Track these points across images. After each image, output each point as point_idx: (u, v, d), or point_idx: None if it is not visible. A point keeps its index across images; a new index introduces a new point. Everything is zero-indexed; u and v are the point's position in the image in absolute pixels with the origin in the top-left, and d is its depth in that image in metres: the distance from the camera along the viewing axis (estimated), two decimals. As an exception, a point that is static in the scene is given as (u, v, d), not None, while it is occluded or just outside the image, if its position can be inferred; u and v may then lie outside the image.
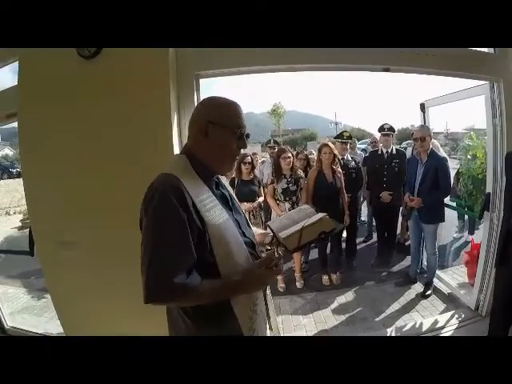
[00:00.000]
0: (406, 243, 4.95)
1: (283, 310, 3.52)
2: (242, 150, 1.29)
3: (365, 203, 5.78)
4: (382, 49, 2.11)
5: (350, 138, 4.70)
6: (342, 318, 3.36)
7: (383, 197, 4.40)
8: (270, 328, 1.41)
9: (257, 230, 1.51)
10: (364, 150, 8.44)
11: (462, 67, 2.49)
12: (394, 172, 4.41)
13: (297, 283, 4.13)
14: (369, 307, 3.51)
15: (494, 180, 2.80)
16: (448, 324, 2.96)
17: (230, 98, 1.27)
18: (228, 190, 1.39)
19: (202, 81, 2.30)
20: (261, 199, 4.25)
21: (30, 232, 2.49)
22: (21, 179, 2.59)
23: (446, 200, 3.91)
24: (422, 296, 3.56)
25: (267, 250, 1.51)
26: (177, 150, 2.10)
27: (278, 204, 3.98)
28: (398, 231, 4.95)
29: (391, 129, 4.58)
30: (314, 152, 5.83)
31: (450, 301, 3.41)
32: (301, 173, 4.15)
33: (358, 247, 5.00)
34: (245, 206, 3.82)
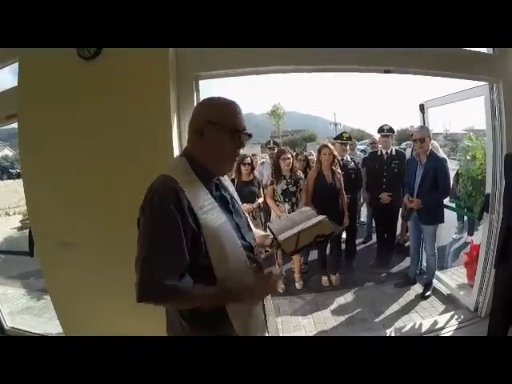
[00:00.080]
0: (406, 244, 4.94)
1: (282, 311, 3.52)
2: (240, 150, 1.28)
3: (364, 204, 5.77)
4: (381, 50, 2.12)
5: (349, 138, 4.70)
6: (342, 318, 3.35)
7: (383, 198, 4.40)
8: (268, 331, 1.40)
9: (258, 232, 1.51)
10: (363, 151, 8.44)
11: (462, 68, 2.50)
12: (394, 173, 4.41)
13: (296, 284, 4.13)
14: (368, 308, 3.50)
15: (493, 181, 2.80)
16: (447, 325, 2.96)
17: (228, 98, 1.27)
18: (229, 192, 1.38)
19: (201, 82, 2.30)
20: (260, 200, 4.26)
21: (30, 232, 2.49)
22: (20, 180, 2.59)
23: (446, 201, 3.91)
24: (422, 297, 3.56)
25: (266, 251, 1.51)
26: (176, 151, 2.11)
27: (277, 205, 3.98)
28: (398, 232, 4.95)
29: (391, 130, 4.58)
30: (313, 153, 5.83)
31: (450, 302, 3.41)
32: (300, 174, 4.15)
33: (357, 248, 4.99)
34: (244, 207, 3.79)
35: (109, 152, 2.15)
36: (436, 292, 3.64)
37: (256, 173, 4.55)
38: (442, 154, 3.80)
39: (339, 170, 4.09)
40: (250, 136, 1.28)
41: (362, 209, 5.84)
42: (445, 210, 3.72)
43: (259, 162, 6.24)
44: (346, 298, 3.80)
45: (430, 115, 3.94)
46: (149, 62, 2.05)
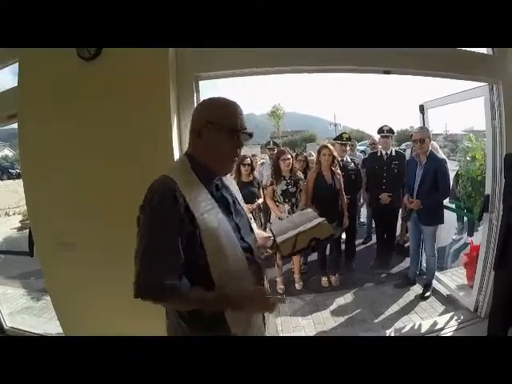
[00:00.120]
0: (406, 245, 4.94)
1: (282, 312, 3.49)
2: (241, 150, 1.29)
3: (364, 205, 5.77)
4: (381, 50, 2.12)
5: (349, 139, 4.70)
6: (341, 319, 3.35)
7: (382, 198, 4.40)
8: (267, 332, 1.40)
9: (260, 233, 1.50)
10: (363, 152, 8.43)
11: (462, 69, 2.50)
12: (394, 174, 4.41)
13: (296, 285, 4.13)
14: (368, 309, 3.50)
15: (493, 182, 2.80)
16: (447, 326, 2.96)
17: (228, 99, 1.27)
18: (232, 193, 1.38)
19: (205, 81, 2.31)
20: (260, 201, 4.26)
21: (30, 233, 2.49)
22: (20, 180, 2.59)
23: (446, 202, 3.92)
24: (421, 298, 3.56)
25: (266, 252, 1.51)
26: (176, 151, 2.11)
27: (277, 205, 3.98)
28: (398, 233, 4.95)
29: (390, 130, 4.58)
30: (313, 153, 5.83)
31: (449, 302, 3.41)
32: (300, 174, 4.15)
33: (357, 249, 4.98)
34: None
35: (109, 152, 2.15)
36: (436, 293, 3.64)
37: (256, 173, 4.55)
38: (441, 154, 3.80)
39: (339, 171, 4.08)
40: (250, 136, 1.29)
41: (361, 209, 5.84)
42: (444, 210, 3.73)
43: (259, 162, 6.24)
44: (346, 298, 3.79)
45: (429, 116, 3.94)
46: (149, 62, 2.05)
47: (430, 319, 3.13)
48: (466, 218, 5.20)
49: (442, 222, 3.66)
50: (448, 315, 3.14)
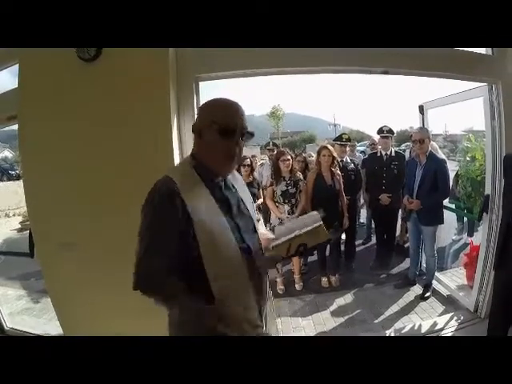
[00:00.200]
0: (405, 245, 4.93)
1: (282, 312, 3.51)
2: (241, 150, 1.29)
3: (364, 205, 5.77)
4: (380, 50, 2.12)
5: (348, 140, 4.69)
6: (341, 320, 3.35)
7: (382, 199, 4.39)
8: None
9: (265, 234, 1.49)
10: (363, 152, 8.43)
11: (461, 69, 2.50)
12: (393, 174, 4.40)
13: (296, 285, 4.13)
14: (368, 309, 3.50)
15: (492, 182, 2.80)
16: (447, 326, 2.95)
17: (231, 100, 1.28)
18: (236, 194, 1.37)
19: (207, 82, 2.31)
20: (260, 201, 4.26)
21: (30, 234, 2.48)
22: (20, 181, 2.59)
23: (445, 202, 3.92)
24: (421, 298, 3.56)
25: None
26: (176, 151, 2.12)
27: (277, 206, 3.98)
28: (397, 233, 4.95)
29: (390, 131, 4.58)
30: (313, 154, 5.83)
31: (449, 303, 3.41)
32: (300, 175, 4.15)
33: (357, 249, 4.98)
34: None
35: (109, 152, 2.15)
36: (436, 293, 3.64)
37: (255, 174, 4.56)
38: (441, 155, 3.80)
39: (339, 172, 4.08)
40: (251, 135, 1.30)
41: (361, 210, 5.84)
42: (444, 211, 3.73)
43: (259, 163, 6.25)
44: (346, 299, 3.79)
45: (429, 116, 3.95)
46: (149, 63, 2.06)
47: (429, 319, 3.13)
48: (465, 219, 5.20)
49: (442, 223, 3.66)
50: (448, 315, 3.14)
